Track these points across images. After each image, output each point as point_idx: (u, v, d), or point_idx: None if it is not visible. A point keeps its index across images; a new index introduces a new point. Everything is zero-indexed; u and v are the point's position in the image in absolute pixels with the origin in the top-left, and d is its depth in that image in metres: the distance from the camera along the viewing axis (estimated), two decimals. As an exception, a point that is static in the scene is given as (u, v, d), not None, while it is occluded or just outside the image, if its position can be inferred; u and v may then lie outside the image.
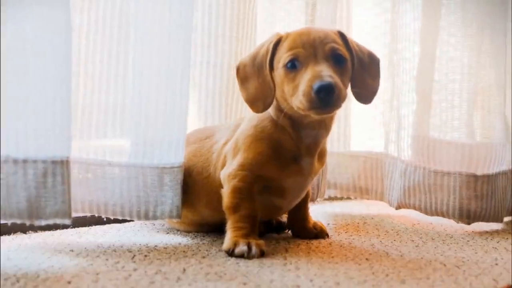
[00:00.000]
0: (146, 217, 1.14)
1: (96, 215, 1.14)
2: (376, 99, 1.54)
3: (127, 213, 1.14)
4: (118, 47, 1.14)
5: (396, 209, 1.45)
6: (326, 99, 0.98)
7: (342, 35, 1.09)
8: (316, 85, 0.97)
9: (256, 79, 1.09)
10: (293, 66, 1.03)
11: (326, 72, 0.99)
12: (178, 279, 0.89)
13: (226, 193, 1.09)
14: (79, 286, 0.84)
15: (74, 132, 1.12)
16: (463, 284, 0.90)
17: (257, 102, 1.09)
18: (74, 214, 1.19)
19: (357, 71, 1.08)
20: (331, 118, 1.11)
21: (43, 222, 0.98)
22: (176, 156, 1.14)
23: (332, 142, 1.57)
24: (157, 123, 1.13)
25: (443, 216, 1.39)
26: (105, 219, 1.20)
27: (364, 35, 1.59)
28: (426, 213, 1.40)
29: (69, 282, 0.86)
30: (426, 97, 1.42)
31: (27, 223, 0.98)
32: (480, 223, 1.40)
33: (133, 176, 1.13)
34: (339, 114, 1.56)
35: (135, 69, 1.13)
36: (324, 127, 1.11)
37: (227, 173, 1.10)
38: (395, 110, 1.47)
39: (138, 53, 1.13)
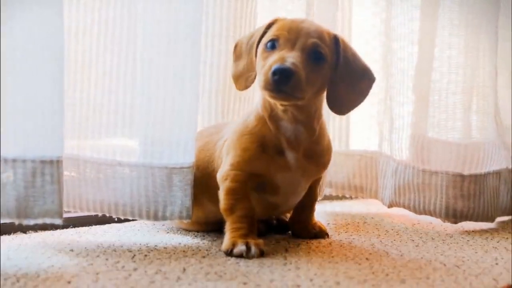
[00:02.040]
0: (156, 218, 1.14)
1: (107, 215, 1.15)
2: (372, 98, 1.56)
3: (136, 213, 1.14)
4: (127, 47, 1.14)
5: (388, 207, 1.46)
6: (279, 82, 0.98)
7: (336, 39, 1.08)
8: (274, 66, 0.98)
9: (246, 57, 1.11)
10: (272, 46, 1.04)
11: (290, 59, 0.99)
12: (178, 279, 0.89)
13: (221, 194, 1.10)
14: (79, 286, 0.84)
15: (85, 132, 1.14)
16: (463, 283, 0.90)
17: (240, 79, 1.11)
18: (86, 213, 1.21)
19: (339, 78, 1.07)
20: (308, 115, 1.09)
21: (31, 222, 0.98)
22: (185, 156, 1.14)
23: (334, 141, 1.57)
24: (166, 123, 1.13)
25: (430, 215, 1.39)
26: (115, 219, 1.20)
27: (364, 34, 1.59)
28: (414, 211, 1.41)
29: (69, 282, 0.86)
30: (423, 96, 1.42)
31: (16, 222, 0.97)
32: (477, 223, 1.40)
33: (143, 176, 1.13)
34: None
35: (144, 68, 1.13)
36: (301, 123, 1.09)
37: (221, 175, 1.10)
38: (388, 109, 1.47)
39: (146, 53, 1.13)
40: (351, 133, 1.61)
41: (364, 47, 1.58)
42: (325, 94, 1.10)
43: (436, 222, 1.43)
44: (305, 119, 1.09)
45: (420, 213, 1.40)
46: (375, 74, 1.53)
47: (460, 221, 1.37)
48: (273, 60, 1.00)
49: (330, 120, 1.51)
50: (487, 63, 1.43)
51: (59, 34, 1.00)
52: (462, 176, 1.37)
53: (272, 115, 1.09)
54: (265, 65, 1.02)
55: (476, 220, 1.38)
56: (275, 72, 0.97)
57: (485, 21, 1.41)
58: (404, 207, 1.43)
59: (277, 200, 1.14)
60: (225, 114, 1.37)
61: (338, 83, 1.08)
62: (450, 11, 1.41)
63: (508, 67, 1.54)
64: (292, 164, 1.10)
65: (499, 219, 1.46)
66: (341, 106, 1.11)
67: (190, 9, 1.13)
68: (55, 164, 1.00)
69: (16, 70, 0.97)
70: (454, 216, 1.37)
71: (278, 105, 1.06)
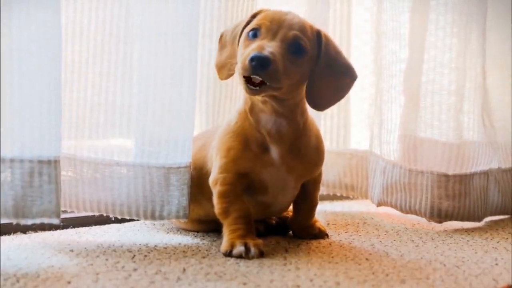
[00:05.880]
0: (153, 217, 1.14)
1: (104, 214, 1.15)
2: (369, 100, 1.56)
3: (134, 213, 1.14)
4: (124, 47, 1.14)
5: (377, 206, 1.47)
6: (256, 68, 0.97)
7: (318, 34, 1.08)
8: (252, 54, 0.98)
9: (229, 47, 1.11)
10: (254, 35, 1.04)
11: (269, 48, 0.99)
12: (178, 279, 0.89)
13: (214, 199, 1.10)
14: (79, 286, 0.84)
15: (82, 132, 1.14)
16: (463, 284, 0.91)
17: (223, 68, 1.11)
18: (85, 214, 1.21)
19: (320, 73, 1.07)
20: (289, 109, 1.08)
21: (29, 222, 0.98)
22: (182, 156, 1.14)
23: (326, 140, 1.56)
24: (163, 122, 1.14)
25: (416, 214, 1.40)
26: (114, 219, 1.20)
27: (363, 35, 1.59)
28: (401, 211, 1.42)
29: (69, 282, 0.86)
30: (413, 97, 1.43)
31: (14, 222, 0.97)
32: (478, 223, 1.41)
33: (140, 176, 1.13)
34: (334, 112, 1.56)
35: (141, 68, 1.13)
36: (283, 116, 1.08)
37: (212, 180, 1.11)
38: (378, 110, 1.48)
39: (144, 53, 1.13)
40: (343, 133, 1.61)
41: (363, 48, 1.58)
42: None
43: (436, 223, 1.43)
44: (287, 112, 1.09)
45: (407, 212, 1.42)
46: (372, 75, 1.54)
47: (445, 221, 1.39)
48: (252, 48, 1.00)
49: (322, 119, 1.52)
50: (474, 63, 1.44)
51: (57, 34, 1.00)
52: (447, 176, 1.38)
53: (252, 107, 1.09)
54: (244, 53, 1.02)
55: (462, 220, 1.39)
56: (252, 59, 0.97)
57: (474, 22, 1.42)
58: (391, 206, 1.44)
59: (267, 200, 1.14)
60: (220, 114, 1.38)
61: (318, 77, 1.07)
62: (438, 12, 1.42)
63: (499, 67, 1.55)
64: (275, 159, 1.09)
65: (490, 218, 1.47)
66: (319, 101, 1.10)
67: (187, 9, 1.13)
68: (53, 164, 1.00)
69: (14, 70, 0.97)
70: (439, 215, 1.38)
71: (257, 96, 1.05)
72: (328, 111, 1.54)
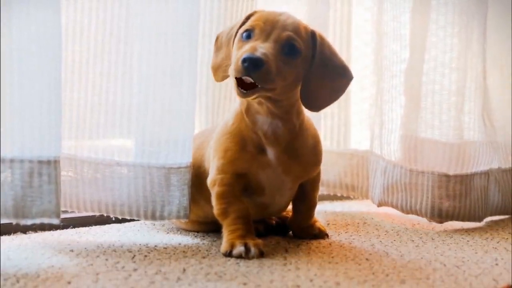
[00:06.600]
0: (154, 217, 1.15)
1: (105, 214, 1.15)
2: (370, 100, 1.56)
3: (134, 213, 1.14)
4: (124, 47, 1.14)
5: (378, 206, 1.47)
6: (248, 70, 0.97)
7: (313, 35, 1.08)
8: (245, 55, 0.97)
9: (225, 49, 1.11)
10: (247, 36, 1.04)
11: (262, 49, 0.99)
12: (178, 279, 0.89)
13: (213, 200, 1.10)
14: (79, 286, 0.84)
15: (83, 132, 1.14)
16: (463, 284, 0.91)
17: (219, 70, 1.12)
18: (85, 214, 1.21)
19: (315, 73, 1.06)
20: (284, 110, 1.08)
21: (29, 222, 0.98)
22: (182, 156, 1.14)
23: (326, 140, 1.57)
24: (163, 122, 1.14)
25: (417, 214, 1.41)
26: (114, 219, 1.21)
27: (364, 35, 1.59)
28: (402, 211, 1.42)
29: (69, 282, 0.86)
30: (414, 98, 1.43)
31: (13, 222, 0.97)
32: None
33: (141, 176, 1.13)
34: (334, 111, 1.56)
35: (141, 68, 1.13)
36: (278, 118, 1.08)
37: (210, 181, 1.11)
38: (379, 110, 1.48)
39: (144, 53, 1.13)
40: (343, 133, 1.61)
41: (363, 48, 1.58)
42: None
43: (436, 223, 1.43)
44: (282, 114, 1.08)
45: (407, 213, 1.42)
46: (373, 75, 1.54)
47: (446, 221, 1.39)
48: (245, 50, 1.00)
49: (322, 118, 1.52)
50: (475, 63, 1.44)
51: (57, 34, 1.00)
52: (447, 176, 1.38)
53: (248, 108, 1.09)
54: (238, 54, 1.01)
55: (462, 220, 1.39)
56: (245, 60, 0.97)
57: (475, 21, 1.42)
58: (392, 206, 1.44)
59: (265, 200, 1.14)
60: (215, 114, 1.38)
61: (313, 78, 1.07)
62: (439, 12, 1.42)
63: (500, 67, 1.55)
64: (272, 160, 1.09)
65: (490, 218, 1.48)
66: (315, 102, 1.10)
67: (187, 9, 1.13)
68: (53, 164, 1.00)
69: (14, 70, 0.97)
70: (439, 215, 1.38)
71: (239, 94, 1.03)
72: (328, 110, 1.55)
